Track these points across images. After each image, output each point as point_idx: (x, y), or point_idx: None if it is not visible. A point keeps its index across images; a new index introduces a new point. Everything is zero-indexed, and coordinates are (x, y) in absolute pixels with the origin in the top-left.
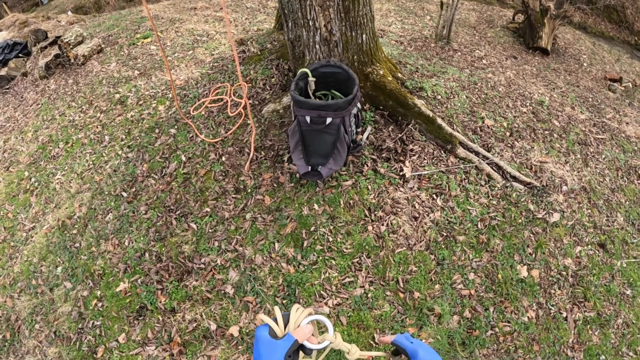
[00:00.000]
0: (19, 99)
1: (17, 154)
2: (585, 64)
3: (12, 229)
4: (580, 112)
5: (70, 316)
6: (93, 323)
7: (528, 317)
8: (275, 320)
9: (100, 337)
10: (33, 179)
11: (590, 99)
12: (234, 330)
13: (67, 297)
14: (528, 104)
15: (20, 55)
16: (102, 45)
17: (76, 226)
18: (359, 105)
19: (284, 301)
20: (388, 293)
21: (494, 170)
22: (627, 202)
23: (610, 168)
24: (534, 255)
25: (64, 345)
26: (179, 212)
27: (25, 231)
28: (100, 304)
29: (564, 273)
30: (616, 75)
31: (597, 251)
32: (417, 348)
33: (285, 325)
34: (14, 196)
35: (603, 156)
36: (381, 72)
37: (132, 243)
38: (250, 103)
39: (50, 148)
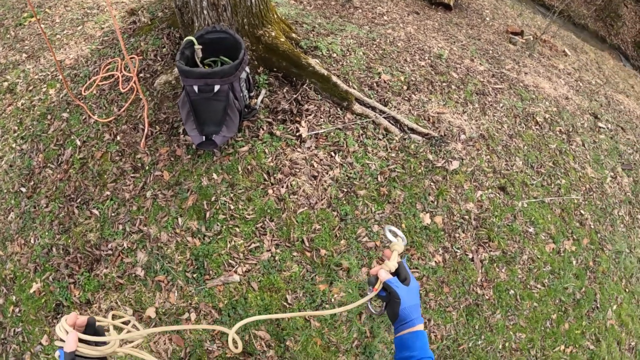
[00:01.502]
0: None
1: None
2: (487, 19)
3: None
4: (480, 63)
5: None
6: (14, 330)
7: (435, 261)
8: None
9: (24, 344)
10: None
11: (490, 52)
12: (150, 312)
13: None
14: (427, 58)
15: None
16: None
17: None
18: (247, 69)
19: (194, 275)
20: (295, 254)
21: (392, 124)
22: (526, 147)
23: (508, 116)
24: (435, 202)
25: None
26: (79, 200)
27: None
28: (17, 310)
29: (467, 217)
30: (518, 28)
31: (497, 194)
32: (415, 281)
33: None
34: None
35: (501, 105)
36: (273, 34)
37: (38, 240)
38: (142, 76)
39: None
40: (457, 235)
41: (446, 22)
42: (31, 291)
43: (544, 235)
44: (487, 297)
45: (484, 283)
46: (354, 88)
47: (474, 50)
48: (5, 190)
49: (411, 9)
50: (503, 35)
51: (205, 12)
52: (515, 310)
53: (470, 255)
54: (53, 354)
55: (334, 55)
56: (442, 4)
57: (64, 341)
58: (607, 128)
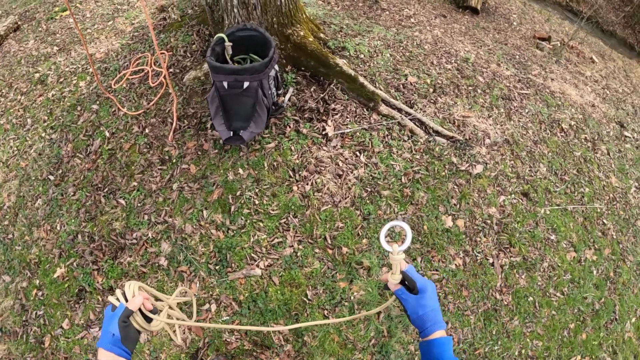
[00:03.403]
0: None
1: None
2: (515, 23)
3: None
4: (506, 68)
5: (14, 310)
6: (36, 313)
7: (455, 264)
8: (117, 299)
9: (45, 327)
10: None
11: (517, 57)
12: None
13: (8, 291)
14: (453, 61)
15: None
16: (19, 23)
17: (7, 217)
18: (276, 67)
19: (217, 267)
20: (317, 250)
21: (417, 126)
22: (550, 153)
23: (533, 121)
24: (458, 205)
25: (12, 341)
26: (106, 189)
27: None
28: (40, 293)
29: (489, 221)
30: (545, 34)
31: (520, 200)
32: (428, 285)
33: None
34: None
35: (527, 110)
36: (302, 33)
37: (64, 226)
38: (171, 71)
39: None
40: (478, 239)
41: (473, 26)
42: (55, 276)
43: (565, 243)
44: (505, 303)
45: (503, 288)
46: (380, 89)
47: (500, 55)
48: (33, 178)
49: (438, 12)
50: (530, 41)
51: (235, 10)
52: (533, 318)
53: (491, 260)
54: (73, 337)
55: (362, 56)
56: (469, 7)
57: (125, 299)
58: (633, 137)
